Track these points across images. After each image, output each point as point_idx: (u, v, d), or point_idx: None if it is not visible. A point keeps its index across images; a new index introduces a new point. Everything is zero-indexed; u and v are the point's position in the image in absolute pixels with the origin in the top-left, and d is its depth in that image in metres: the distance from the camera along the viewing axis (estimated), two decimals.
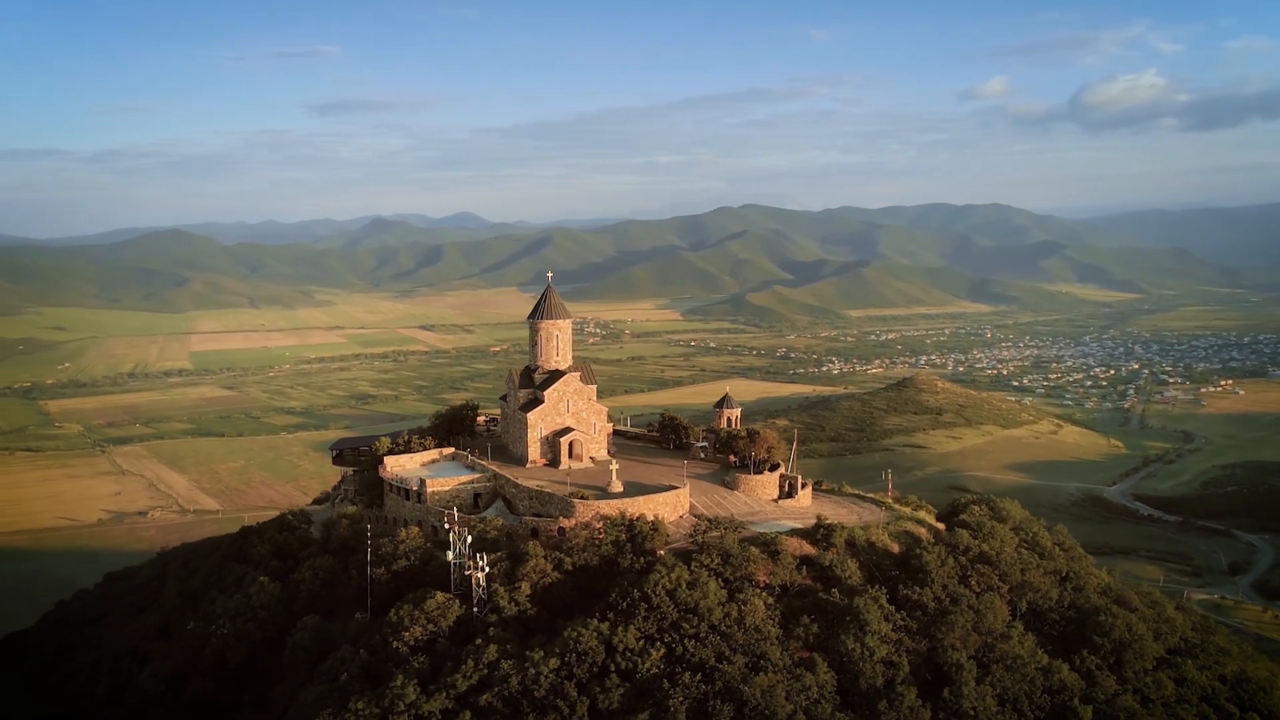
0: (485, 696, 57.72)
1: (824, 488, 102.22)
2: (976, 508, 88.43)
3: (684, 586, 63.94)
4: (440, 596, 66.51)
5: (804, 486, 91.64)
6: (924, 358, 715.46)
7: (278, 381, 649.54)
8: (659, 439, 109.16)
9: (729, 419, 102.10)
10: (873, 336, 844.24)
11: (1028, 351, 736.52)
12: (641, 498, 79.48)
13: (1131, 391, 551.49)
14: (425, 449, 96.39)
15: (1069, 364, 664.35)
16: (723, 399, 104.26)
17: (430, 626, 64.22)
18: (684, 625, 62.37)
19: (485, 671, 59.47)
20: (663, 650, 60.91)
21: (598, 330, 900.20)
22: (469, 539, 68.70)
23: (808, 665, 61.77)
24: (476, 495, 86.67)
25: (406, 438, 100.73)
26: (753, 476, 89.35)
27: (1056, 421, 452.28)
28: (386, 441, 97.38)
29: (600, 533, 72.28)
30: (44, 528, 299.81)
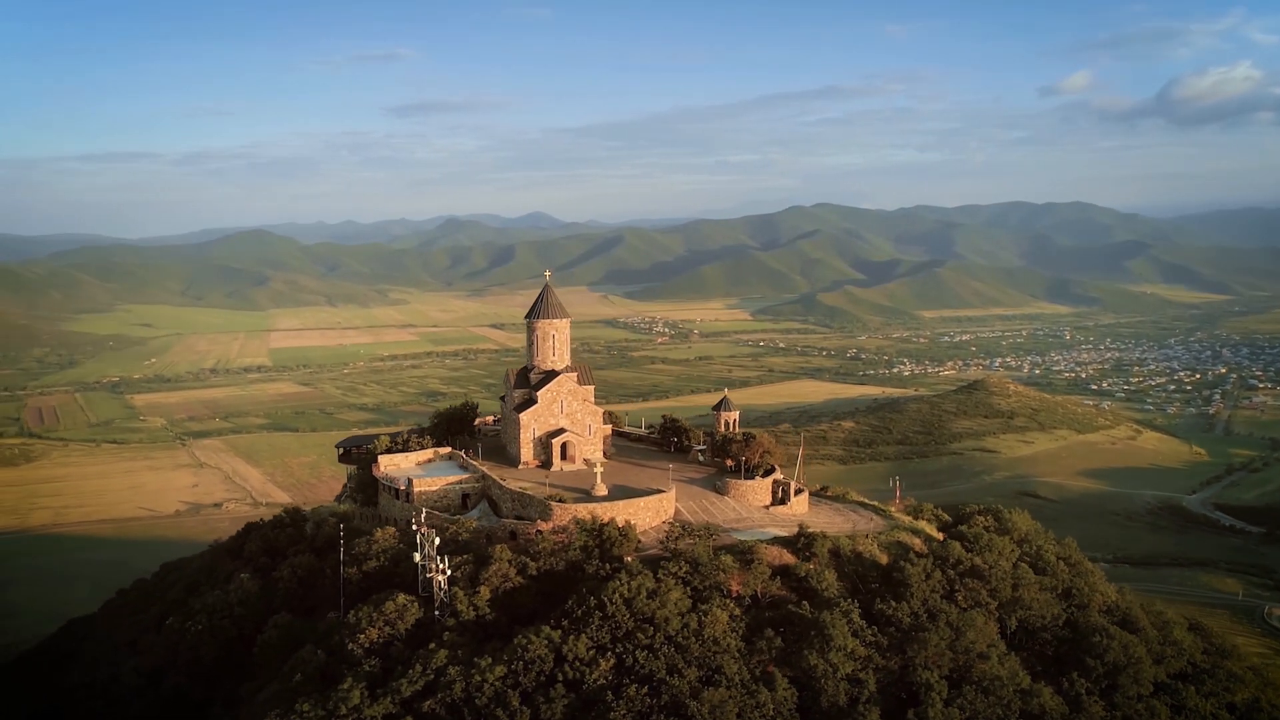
0: (429, 703, 56.73)
1: (830, 494, 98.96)
2: (981, 518, 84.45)
3: (643, 595, 61.96)
4: (401, 599, 65.77)
5: (800, 492, 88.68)
6: (999, 360, 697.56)
7: (351, 378, 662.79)
8: (661, 442, 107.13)
9: (726, 422, 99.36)
10: (946, 338, 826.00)
11: (1108, 354, 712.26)
12: (621, 502, 77.67)
13: (1217, 396, 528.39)
14: (423, 448, 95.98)
15: (1152, 367, 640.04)
16: (720, 402, 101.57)
17: (387, 629, 63.57)
18: (639, 635, 60.39)
19: (431, 677, 58.45)
20: (613, 661, 59.02)
21: (666, 330, 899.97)
22: (436, 540, 67.82)
23: (766, 681, 59.27)
24: (465, 495, 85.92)
25: (405, 436, 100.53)
26: (743, 482, 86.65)
27: (1135, 427, 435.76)
28: (386, 440, 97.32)
29: (571, 537, 70.70)
30: (126, 517, 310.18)
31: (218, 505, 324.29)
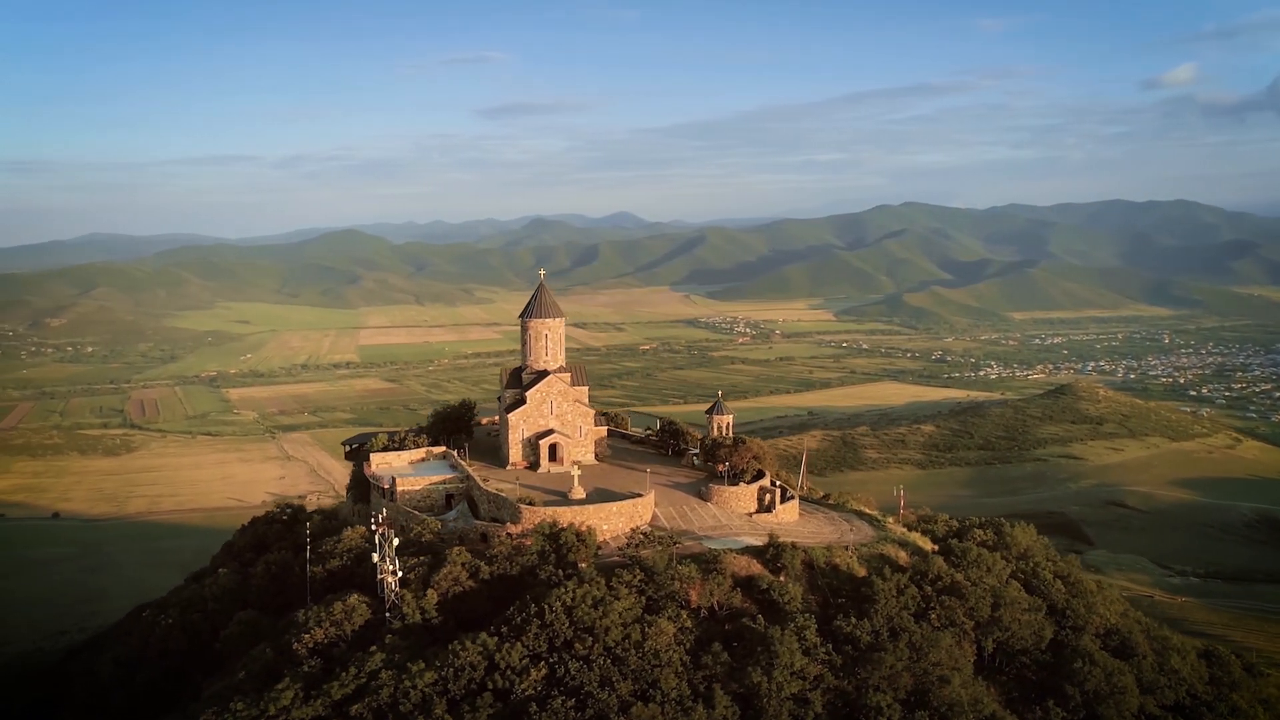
0: (356, 706, 55.95)
1: (830, 501, 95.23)
2: (979, 532, 79.89)
3: (585, 604, 60.03)
4: (354, 599, 65.31)
5: (790, 499, 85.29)
6: (1092, 364, 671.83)
7: (436, 375, 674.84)
8: (660, 445, 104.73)
9: (719, 426, 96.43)
10: (1037, 340, 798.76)
11: (1210, 359, 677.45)
12: (593, 506, 75.82)
13: None
14: (419, 447, 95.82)
15: (1257, 373, 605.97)
16: (713, 405, 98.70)
17: (334, 629, 63.13)
18: (577, 645, 58.51)
19: (364, 680, 57.60)
20: (544, 671, 57.31)
21: (748, 330, 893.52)
22: (395, 541, 67.18)
23: (706, 698, 56.71)
24: (449, 496, 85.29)
25: (403, 435, 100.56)
26: (726, 488, 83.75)
27: (1235, 435, 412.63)
28: (384, 438, 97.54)
29: (527, 542, 69.19)
30: (215, 507, 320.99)
31: (301, 497, 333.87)
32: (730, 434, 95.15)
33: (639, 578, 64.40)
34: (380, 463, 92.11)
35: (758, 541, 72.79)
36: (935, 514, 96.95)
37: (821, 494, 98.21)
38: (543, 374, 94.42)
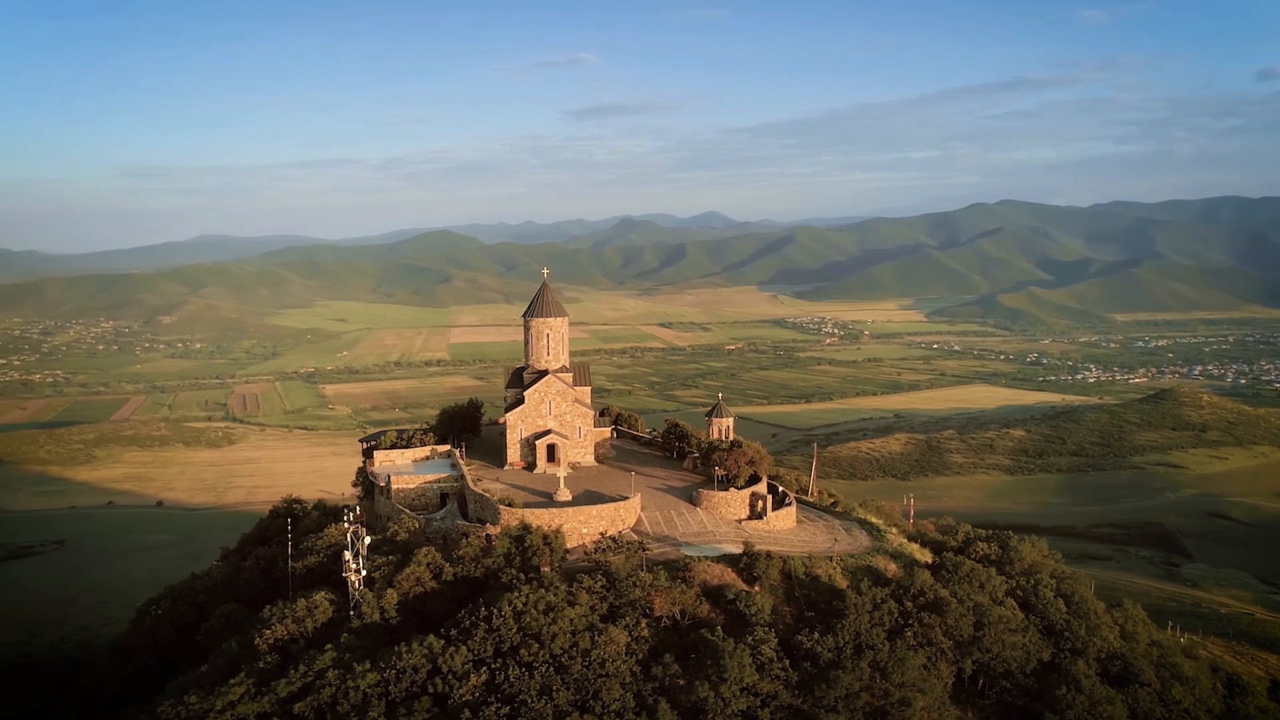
0: (299, 705, 55.98)
1: (839, 509, 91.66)
2: (982, 545, 75.57)
3: (536, 610, 58.76)
4: (320, 596, 65.54)
5: (787, 506, 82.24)
6: (1199, 368, 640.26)
7: None
8: (665, 447, 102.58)
9: (718, 429, 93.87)
10: (1140, 343, 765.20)
11: None
12: (572, 509, 74.52)
13: None
14: (425, 445, 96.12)
15: None
16: (713, 407, 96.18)
17: (295, 626, 63.43)
18: (522, 652, 57.29)
19: (310, 679, 57.57)
20: (485, 676, 56.23)
21: (835, 330, 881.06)
22: (368, 539, 67.28)
23: (650, 711, 54.84)
24: (444, 495, 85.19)
25: (411, 433, 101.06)
26: (716, 493, 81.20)
27: None
28: (393, 436, 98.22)
29: (494, 544, 68.32)
30: (307, 499, 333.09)
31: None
32: (730, 438, 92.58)
33: (600, 584, 62.98)
34: (384, 460, 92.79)
35: (737, 549, 70.46)
36: (958, 524, 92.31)
37: (831, 501, 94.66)
38: (543, 374, 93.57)
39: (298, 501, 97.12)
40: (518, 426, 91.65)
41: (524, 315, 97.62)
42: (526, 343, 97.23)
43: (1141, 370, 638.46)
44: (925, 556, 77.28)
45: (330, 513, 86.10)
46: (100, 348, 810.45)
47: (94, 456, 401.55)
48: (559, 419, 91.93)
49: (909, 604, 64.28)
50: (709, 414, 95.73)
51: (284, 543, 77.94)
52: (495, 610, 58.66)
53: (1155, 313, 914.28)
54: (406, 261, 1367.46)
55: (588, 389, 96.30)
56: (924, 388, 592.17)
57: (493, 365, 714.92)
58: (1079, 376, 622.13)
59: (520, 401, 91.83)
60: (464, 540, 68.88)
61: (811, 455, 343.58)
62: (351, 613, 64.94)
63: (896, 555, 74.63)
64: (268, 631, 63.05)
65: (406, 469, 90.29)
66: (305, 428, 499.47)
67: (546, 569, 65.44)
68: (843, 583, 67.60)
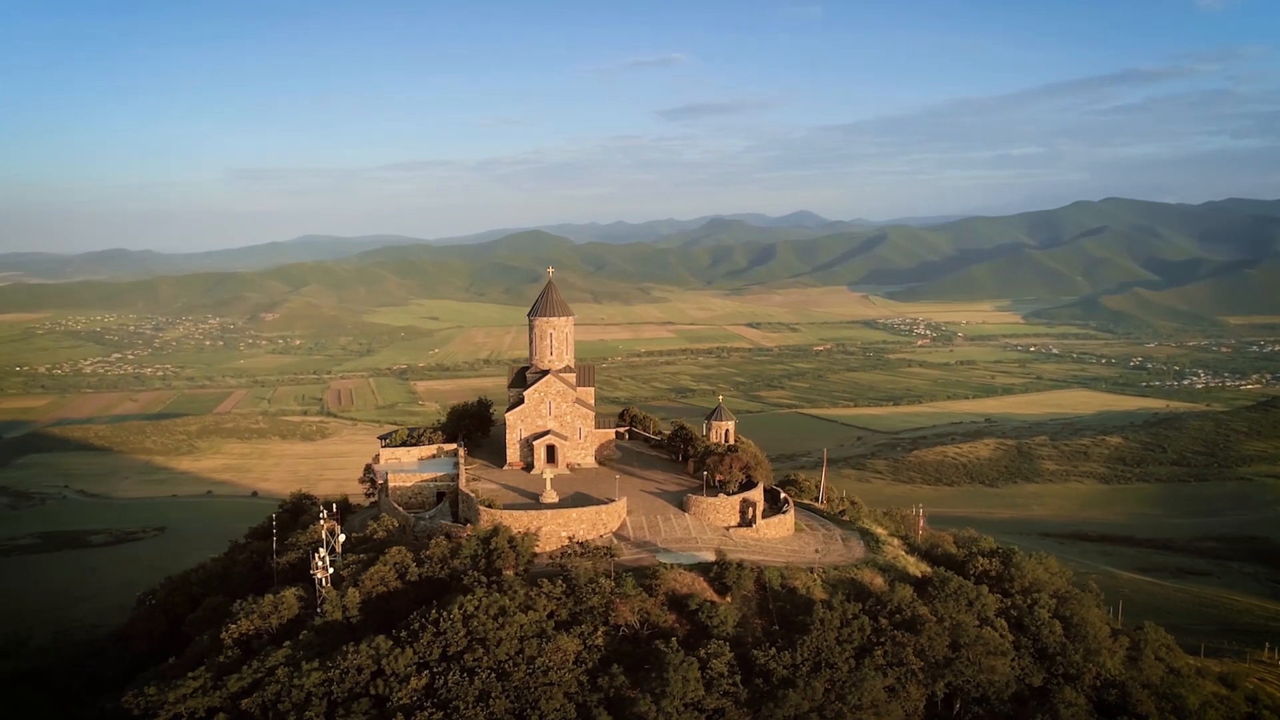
0: (246, 701, 56.24)
1: (846, 517, 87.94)
2: (983, 560, 71.32)
3: (485, 614, 57.73)
4: (289, 593, 65.92)
5: (782, 514, 79.23)
6: None
7: (608, 373, 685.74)
8: (671, 449, 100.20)
9: (717, 432, 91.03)
10: (1254, 347, 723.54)
11: None
12: (551, 511, 73.16)
13: None
14: (433, 443, 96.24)
15: None
16: (714, 410, 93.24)
17: (259, 621, 63.91)
18: (466, 657, 56.39)
19: (260, 676, 57.79)
20: (425, 680, 55.49)
21: (928, 332, 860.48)
22: (342, 537, 67.53)
23: None
24: (440, 494, 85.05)
25: (421, 431, 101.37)
26: (705, 499, 78.62)
27: None
28: (404, 433, 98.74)
29: (459, 545, 67.50)
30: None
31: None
32: (731, 441, 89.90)
33: (561, 589, 61.65)
34: (390, 458, 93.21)
35: (713, 558, 68.08)
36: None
37: (839, 510, 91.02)
38: (546, 374, 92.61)
39: (307, 497, 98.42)
40: (517, 426, 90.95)
41: (528, 315, 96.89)
42: (530, 341, 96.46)
43: (1255, 376, 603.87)
44: (921, 570, 73.44)
45: (343, 509, 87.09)
46: (207, 343, 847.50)
47: (196, 447, 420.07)
48: (559, 419, 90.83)
49: (884, 621, 60.92)
50: (709, 416, 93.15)
51: (274, 537, 79.24)
52: (444, 613, 57.99)
53: (1273, 315, 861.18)
54: (498, 261, 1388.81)
55: (591, 389, 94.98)
56: (1018, 391, 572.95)
57: (579, 364, 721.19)
58: (1185, 382, 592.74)
59: (521, 401, 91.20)
60: (432, 541, 68.32)
61: (901, 458, 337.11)
62: (318, 610, 65.24)
63: (886, 568, 71.07)
64: (233, 626, 63.70)
65: (410, 467, 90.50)
66: (395, 423, 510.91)
67: (509, 572, 64.39)
68: (821, 595, 64.68)
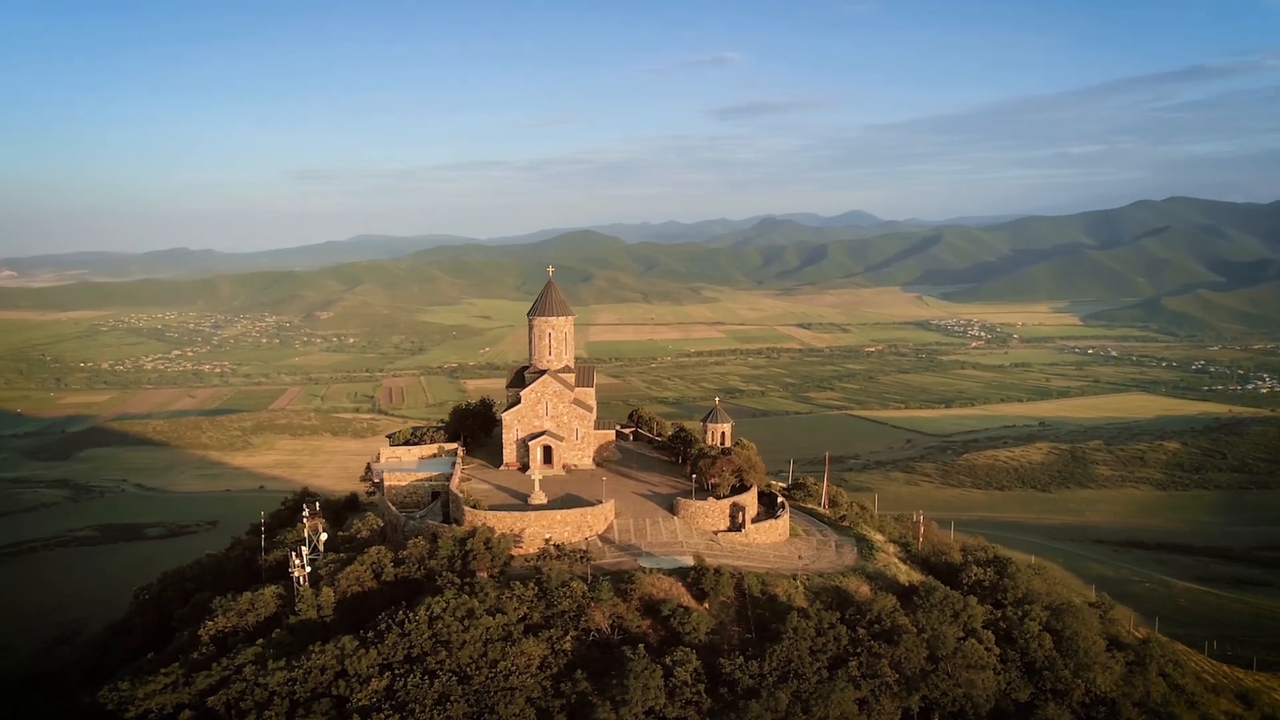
0: (212, 699, 56.36)
1: (846, 524, 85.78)
2: (977, 569, 68.89)
3: (452, 616, 57.16)
4: (268, 591, 66.19)
5: (776, 517, 77.44)
6: None
7: (657, 372, 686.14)
8: (672, 451, 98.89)
9: (713, 434, 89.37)
10: None
11: None
12: (534, 513, 72.39)
13: None
14: (435, 443, 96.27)
15: None
16: (710, 412, 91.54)
17: (236, 619, 64.17)
18: (429, 659, 55.85)
19: (228, 673, 57.89)
20: (386, 682, 55.05)
21: (982, 333, 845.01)
22: (324, 536, 67.61)
23: None
24: (435, 493, 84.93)
25: (424, 431, 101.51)
26: (694, 502, 77.11)
27: None
28: (407, 432, 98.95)
29: (435, 546, 67.09)
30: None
31: None
32: (726, 444, 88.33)
33: (533, 592, 60.92)
34: (391, 456, 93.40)
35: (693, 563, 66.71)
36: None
37: (840, 514, 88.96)
38: (544, 374, 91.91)
39: (310, 493, 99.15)
40: (514, 426, 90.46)
41: (528, 314, 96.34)
42: (530, 341, 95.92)
43: None
44: (911, 579, 71.25)
45: (345, 506, 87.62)
46: (264, 341, 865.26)
47: (250, 443, 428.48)
48: (555, 420, 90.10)
49: (861, 631, 59.02)
50: (704, 419, 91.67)
51: (263, 534, 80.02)
52: (409, 614, 57.63)
53: None
54: (549, 260, 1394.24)
55: (591, 390, 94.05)
56: (1074, 395, 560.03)
57: (629, 363, 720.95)
58: (1250, 386, 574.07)
59: (518, 401, 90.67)
60: (410, 542, 68.11)
61: (951, 461, 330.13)
62: (295, 609, 65.41)
63: (875, 576, 69.02)
64: (210, 623, 64.12)
65: (409, 466, 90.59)
66: (444, 421, 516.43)
67: (483, 574, 63.86)
68: (802, 603, 63.05)
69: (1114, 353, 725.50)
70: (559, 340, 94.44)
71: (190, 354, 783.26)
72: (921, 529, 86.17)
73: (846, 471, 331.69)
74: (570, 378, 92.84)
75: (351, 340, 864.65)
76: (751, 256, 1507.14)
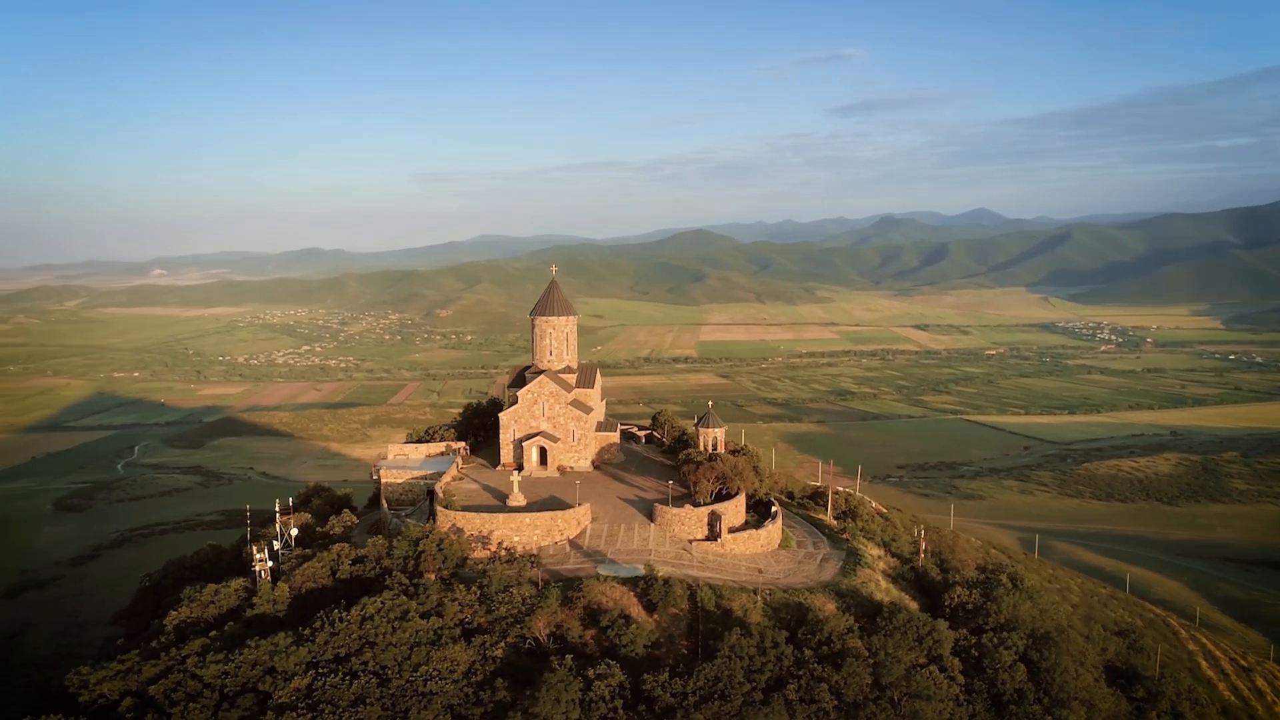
0: (154, 688, 57.29)
1: (845, 535, 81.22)
2: (961, 590, 63.87)
3: (382, 618, 56.49)
4: (235, 584, 67.07)
5: (765, 527, 73.80)
6: None
7: (768, 373, 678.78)
8: (673, 454, 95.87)
9: (706, 440, 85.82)
10: None
11: None
12: (503, 515, 71.19)
13: None
14: (443, 441, 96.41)
15: None
16: (702, 417, 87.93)
17: (198, 610, 65.25)
18: (354, 660, 55.32)
19: (170, 665, 58.74)
20: (308, 680, 54.75)
21: (1112, 337, 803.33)
22: (295, 532, 68.24)
23: None
24: (430, 491, 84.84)
25: (434, 430, 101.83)
26: (670, 509, 74.15)
27: None
28: (419, 431, 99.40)
29: (391, 547, 66.69)
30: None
31: None
32: (720, 449, 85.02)
33: (475, 596, 59.83)
34: (398, 454, 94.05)
35: (659, 572, 64.15)
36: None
37: (840, 526, 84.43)
38: (542, 374, 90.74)
39: (322, 487, 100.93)
40: (510, 426, 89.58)
41: (530, 313, 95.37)
42: (532, 341, 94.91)
43: None
44: (890, 597, 66.81)
45: (341, 502, 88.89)
46: (386, 337, 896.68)
47: (368, 436, 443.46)
48: (552, 420, 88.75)
49: (808, 652, 55.52)
50: (697, 423, 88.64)
51: (248, 527, 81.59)
52: (339, 615, 57.40)
53: None
54: (663, 260, 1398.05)
55: (592, 390, 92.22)
56: (1211, 403, 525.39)
57: (739, 363, 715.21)
58: None
59: (515, 402, 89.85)
60: (369, 540, 68.16)
61: (1071, 470, 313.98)
62: (251, 603, 66.22)
63: (847, 594, 64.90)
64: (174, 613, 65.54)
65: (414, 464, 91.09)
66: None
67: (430, 575, 63.22)
68: (757, 619, 59.89)
69: (1259, 359, 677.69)
70: (559, 340, 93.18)
71: (318, 349, 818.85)
72: (923, 544, 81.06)
73: (958, 479, 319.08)
74: (570, 378, 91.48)
75: (469, 337, 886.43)
76: (869, 256, 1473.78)
